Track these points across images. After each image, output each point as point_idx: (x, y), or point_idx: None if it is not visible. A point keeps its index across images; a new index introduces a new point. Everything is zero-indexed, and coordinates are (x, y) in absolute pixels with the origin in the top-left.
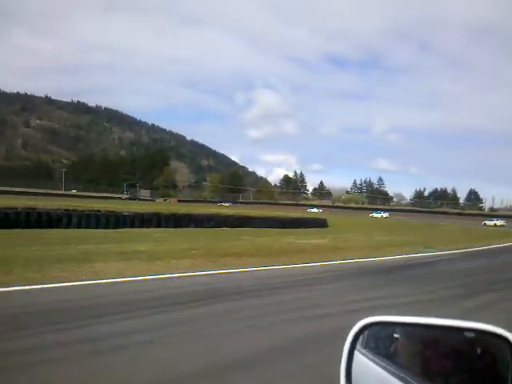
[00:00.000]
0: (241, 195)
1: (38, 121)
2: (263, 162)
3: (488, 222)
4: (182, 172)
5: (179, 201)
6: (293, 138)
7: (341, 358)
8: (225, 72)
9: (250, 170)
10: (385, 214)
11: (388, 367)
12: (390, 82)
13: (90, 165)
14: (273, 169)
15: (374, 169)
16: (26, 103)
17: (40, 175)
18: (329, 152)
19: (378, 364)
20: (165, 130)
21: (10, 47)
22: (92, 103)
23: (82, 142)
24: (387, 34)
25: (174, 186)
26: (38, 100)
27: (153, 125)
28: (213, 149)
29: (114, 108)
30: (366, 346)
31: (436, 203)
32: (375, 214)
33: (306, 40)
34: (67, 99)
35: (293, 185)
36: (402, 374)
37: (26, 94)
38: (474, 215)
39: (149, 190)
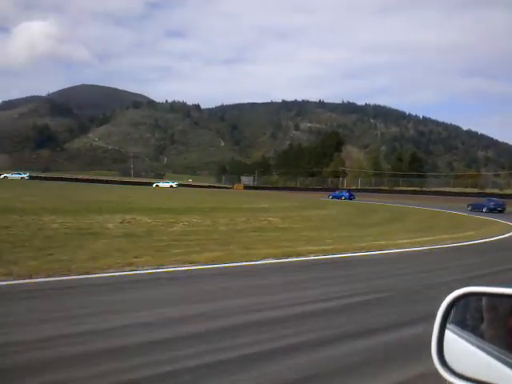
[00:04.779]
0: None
1: (308, 124)
2: None
3: (162, 184)
4: (354, 158)
5: (245, 187)
6: None
7: None
8: None
9: None
10: (174, 184)
11: (478, 343)
12: None
13: (288, 157)
14: None
15: None
16: (301, 108)
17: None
18: None
19: (467, 340)
20: (436, 121)
21: (298, 60)
22: (361, 102)
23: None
24: None
25: (344, 174)
26: (312, 105)
27: (424, 117)
28: (495, 138)
29: (383, 104)
30: (452, 321)
31: None
32: (161, 184)
33: None
34: (338, 101)
35: None
36: (494, 351)
37: (303, 100)
38: None
39: (251, 177)
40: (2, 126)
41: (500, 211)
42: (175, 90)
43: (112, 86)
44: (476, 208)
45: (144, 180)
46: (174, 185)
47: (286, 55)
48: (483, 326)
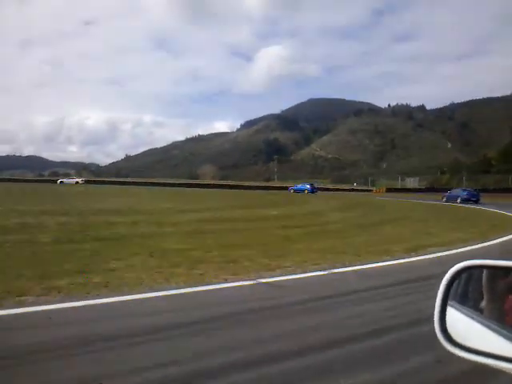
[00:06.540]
0: None
1: None
2: None
3: (67, 181)
4: None
5: (388, 190)
6: None
7: None
8: None
9: None
10: (80, 180)
11: (478, 317)
12: None
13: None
14: None
15: None
16: None
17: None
18: None
19: (467, 314)
20: None
21: None
22: None
23: None
24: None
25: None
26: None
27: None
28: None
29: None
30: (452, 297)
31: None
32: (66, 181)
33: None
34: None
35: None
36: (492, 324)
37: None
38: None
39: (417, 178)
40: (242, 143)
41: (475, 201)
42: (399, 94)
43: (339, 97)
44: (450, 199)
45: (342, 186)
46: (79, 181)
47: None
48: (483, 302)
